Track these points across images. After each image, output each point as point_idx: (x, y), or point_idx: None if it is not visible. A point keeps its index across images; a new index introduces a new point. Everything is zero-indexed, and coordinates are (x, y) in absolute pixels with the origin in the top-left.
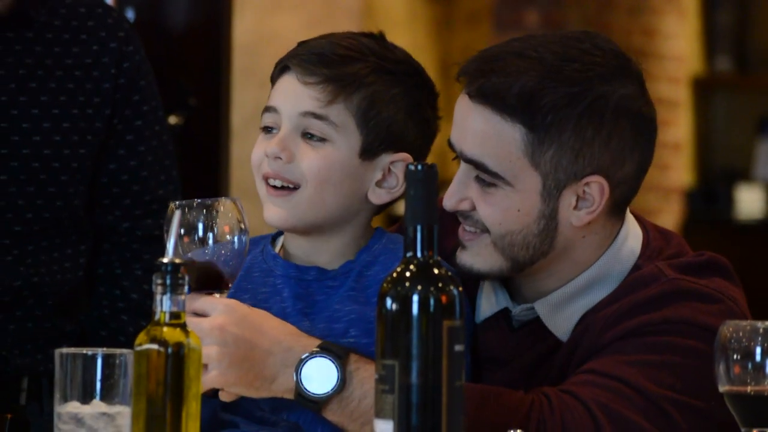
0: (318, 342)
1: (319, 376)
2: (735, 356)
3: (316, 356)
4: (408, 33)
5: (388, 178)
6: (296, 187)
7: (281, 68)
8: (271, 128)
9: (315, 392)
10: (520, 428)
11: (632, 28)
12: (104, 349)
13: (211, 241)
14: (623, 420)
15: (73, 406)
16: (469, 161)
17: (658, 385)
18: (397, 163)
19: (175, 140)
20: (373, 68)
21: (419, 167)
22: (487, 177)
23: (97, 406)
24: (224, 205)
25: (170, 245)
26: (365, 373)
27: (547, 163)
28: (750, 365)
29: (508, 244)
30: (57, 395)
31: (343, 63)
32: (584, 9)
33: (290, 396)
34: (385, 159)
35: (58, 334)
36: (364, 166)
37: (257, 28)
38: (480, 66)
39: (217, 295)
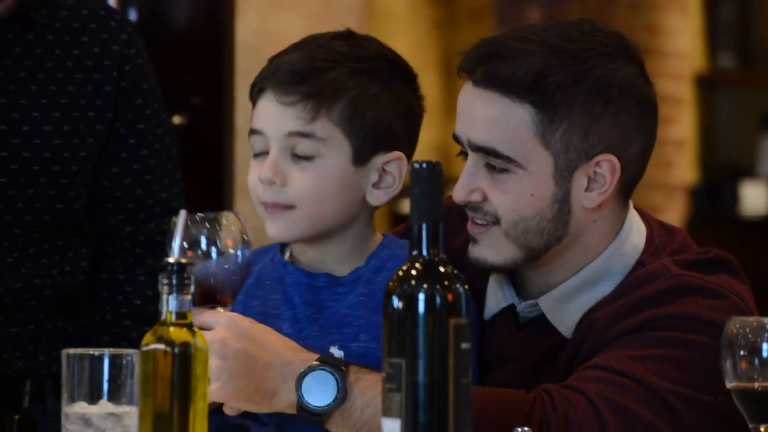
0: (318, 355)
1: (320, 389)
2: (742, 352)
3: (316, 369)
4: (410, 31)
5: (384, 178)
6: (293, 207)
7: (258, 89)
8: (262, 152)
9: (317, 405)
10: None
11: (635, 24)
12: (111, 349)
13: (214, 255)
14: (628, 412)
15: (81, 407)
16: (479, 149)
17: (663, 379)
18: (391, 163)
19: (179, 140)
20: (349, 73)
21: (424, 165)
22: (498, 162)
23: (105, 406)
24: (227, 219)
25: (176, 245)
26: (366, 383)
27: (557, 142)
28: (757, 361)
29: (522, 232)
30: (64, 396)
31: (318, 76)
32: (586, 5)
33: (292, 411)
34: (378, 160)
35: (60, 336)
36: (358, 173)
37: (260, 26)
38: (482, 52)
39: (221, 309)
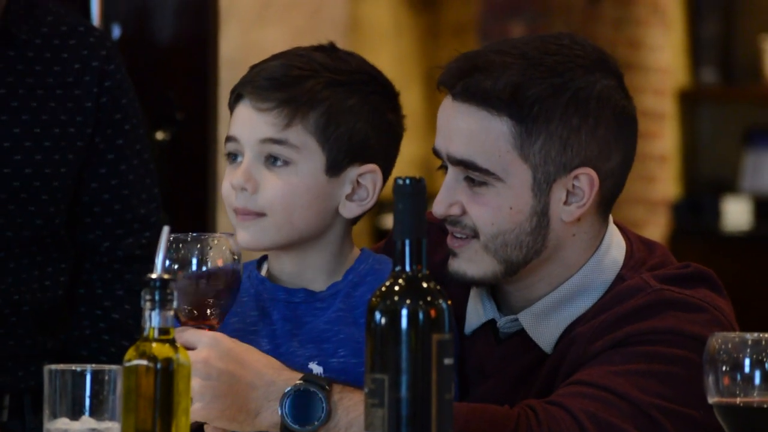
0: (301, 375)
1: (304, 408)
2: (724, 368)
3: (299, 389)
4: (394, 44)
5: (358, 191)
6: (264, 214)
7: (236, 96)
8: (236, 155)
9: (301, 425)
10: None
11: (618, 40)
12: (93, 365)
13: (204, 275)
14: (612, 428)
15: (63, 423)
16: (458, 162)
17: (647, 394)
18: (366, 176)
19: (162, 155)
20: (326, 83)
21: (407, 181)
22: (477, 175)
23: (87, 422)
24: (218, 240)
25: (159, 261)
26: (350, 402)
27: (536, 154)
28: (739, 377)
29: (501, 245)
30: (46, 412)
31: (295, 83)
32: (570, 20)
33: (275, 430)
34: (353, 172)
35: (40, 352)
36: (331, 183)
37: (243, 41)
38: (462, 66)
39: (207, 329)
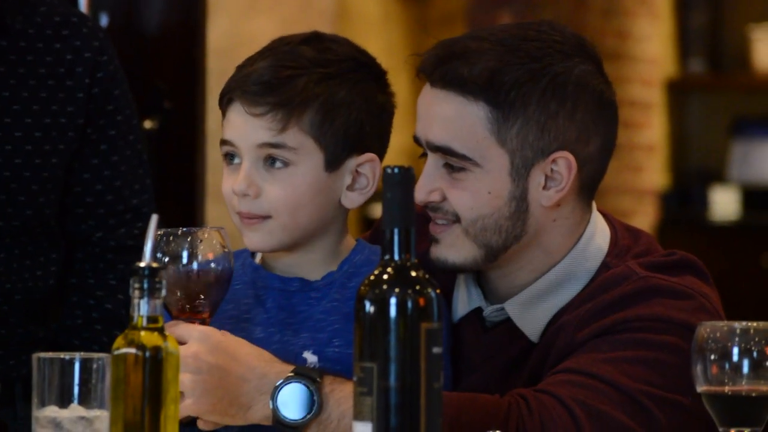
0: (292, 367)
1: (296, 401)
2: (712, 356)
3: (291, 382)
4: (382, 34)
5: (358, 180)
6: (269, 217)
7: (227, 100)
8: (233, 155)
9: (293, 418)
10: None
11: (606, 30)
12: (82, 353)
13: (195, 269)
14: (602, 415)
15: (51, 411)
16: (437, 149)
17: (634, 380)
18: (364, 164)
19: (151, 144)
20: (317, 80)
21: (396, 170)
22: (455, 161)
23: (76, 410)
24: (209, 233)
25: (147, 250)
26: (341, 394)
27: (513, 139)
28: (727, 365)
29: (480, 230)
30: (35, 399)
31: (286, 85)
32: (558, 11)
33: (268, 423)
34: (351, 163)
35: (31, 340)
36: (332, 178)
37: (232, 30)
38: (440, 54)
39: (198, 322)
